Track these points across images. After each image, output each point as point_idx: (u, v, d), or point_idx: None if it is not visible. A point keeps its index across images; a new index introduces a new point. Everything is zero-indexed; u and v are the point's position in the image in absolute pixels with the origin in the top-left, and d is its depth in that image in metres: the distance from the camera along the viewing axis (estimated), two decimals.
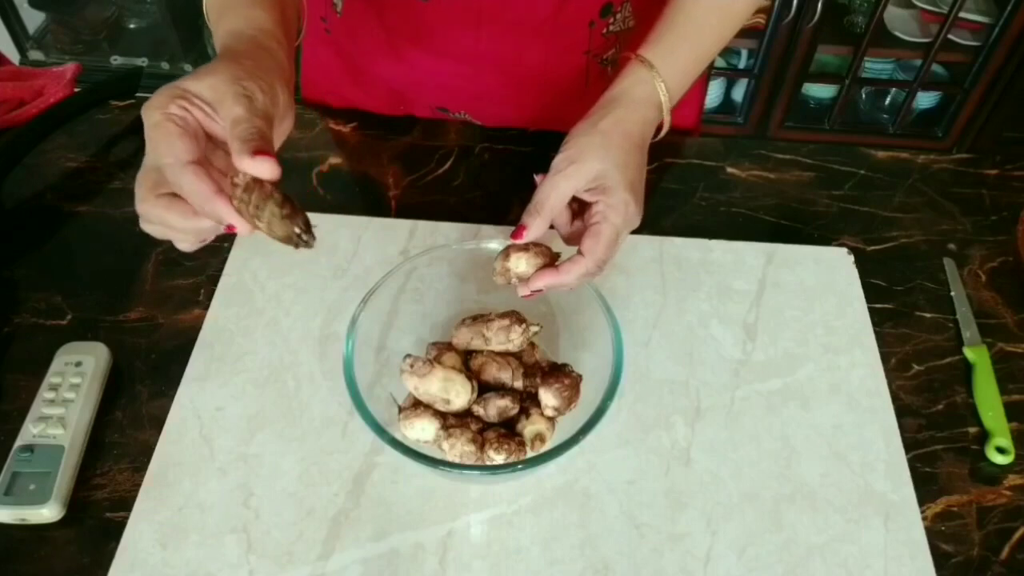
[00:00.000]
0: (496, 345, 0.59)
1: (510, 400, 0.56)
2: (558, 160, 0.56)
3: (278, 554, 0.55)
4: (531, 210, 0.56)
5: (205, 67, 0.49)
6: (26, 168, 0.78)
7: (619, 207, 0.56)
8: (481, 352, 0.60)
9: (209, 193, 0.46)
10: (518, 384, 0.58)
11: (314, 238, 0.49)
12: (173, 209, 0.47)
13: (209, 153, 0.49)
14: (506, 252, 0.57)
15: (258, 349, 0.66)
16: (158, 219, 0.48)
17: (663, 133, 0.63)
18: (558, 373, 0.57)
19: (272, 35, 0.54)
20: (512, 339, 0.58)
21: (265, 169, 0.45)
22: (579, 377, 0.57)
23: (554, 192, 0.55)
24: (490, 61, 0.80)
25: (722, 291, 0.71)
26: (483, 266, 0.65)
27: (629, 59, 0.61)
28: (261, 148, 0.45)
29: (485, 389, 0.58)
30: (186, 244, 0.50)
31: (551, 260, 0.57)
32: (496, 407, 0.56)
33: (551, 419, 0.57)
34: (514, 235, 0.55)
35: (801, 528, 0.58)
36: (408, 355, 0.55)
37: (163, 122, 0.46)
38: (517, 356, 0.60)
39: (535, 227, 0.55)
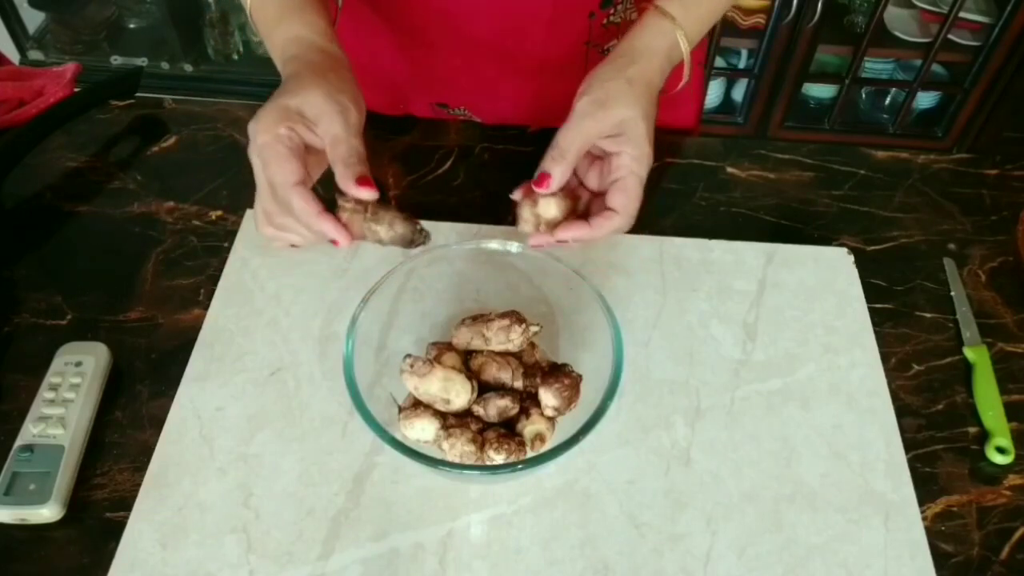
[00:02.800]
0: (496, 345, 0.59)
1: (510, 400, 0.56)
2: (584, 103, 0.56)
3: (278, 554, 0.55)
4: (554, 156, 0.55)
5: (295, 82, 0.54)
6: (26, 168, 0.78)
7: (643, 159, 0.56)
8: (481, 352, 0.60)
9: (315, 213, 0.52)
10: (518, 384, 0.58)
11: (429, 234, 0.56)
12: (298, 227, 0.54)
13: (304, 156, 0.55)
14: (532, 199, 0.56)
15: (258, 349, 0.66)
16: (289, 231, 0.56)
17: (682, 84, 0.64)
18: (558, 373, 0.57)
19: (333, 39, 0.59)
20: (512, 339, 0.58)
21: (367, 195, 0.53)
22: (579, 377, 0.57)
23: (580, 136, 0.55)
24: (490, 53, 0.80)
25: (722, 291, 0.71)
26: (483, 266, 0.65)
27: (646, 9, 0.62)
28: (362, 175, 0.52)
29: (485, 389, 0.58)
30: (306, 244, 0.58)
31: (575, 207, 0.56)
32: (496, 407, 0.56)
33: (551, 419, 0.57)
34: (536, 183, 0.55)
35: (801, 528, 0.58)
36: (408, 355, 0.55)
37: (273, 143, 0.51)
38: (517, 356, 0.60)
39: (559, 174, 0.55)
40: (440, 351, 0.60)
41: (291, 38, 0.58)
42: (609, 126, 0.56)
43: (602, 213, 0.56)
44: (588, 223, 0.56)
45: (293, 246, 0.62)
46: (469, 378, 0.57)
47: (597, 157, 0.60)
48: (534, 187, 0.55)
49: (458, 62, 0.81)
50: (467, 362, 0.60)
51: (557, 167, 0.55)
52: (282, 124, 0.51)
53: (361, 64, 0.86)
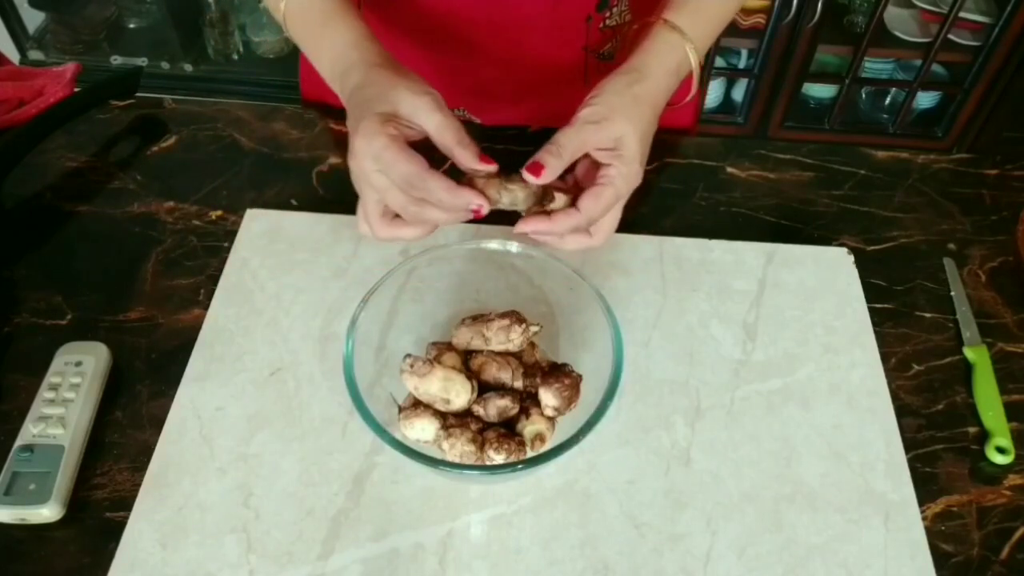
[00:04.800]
0: (496, 345, 0.59)
1: (510, 400, 0.56)
2: (588, 111, 0.58)
3: (278, 554, 0.55)
4: (551, 150, 0.57)
5: (375, 87, 0.57)
6: (26, 168, 0.78)
7: (630, 177, 0.58)
8: (481, 352, 0.60)
9: (453, 187, 0.54)
10: (518, 384, 0.58)
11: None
12: (437, 208, 0.55)
13: None
14: (506, 174, 0.58)
15: (258, 349, 0.66)
16: (392, 237, 0.58)
17: (691, 96, 0.66)
18: (558, 373, 0.57)
19: (379, 42, 0.61)
20: (512, 339, 0.58)
21: (492, 168, 0.56)
22: (579, 377, 0.57)
23: (578, 140, 0.57)
24: (488, 55, 0.80)
25: (722, 291, 0.71)
26: (483, 266, 0.65)
27: (652, 23, 0.63)
28: (481, 152, 0.56)
29: (485, 389, 0.58)
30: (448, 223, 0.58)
31: (542, 204, 0.58)
32: (496, 407, 0.56)
33: (551, 419, 0.57)
34: (529, 169, 0.56)
35: (801, 528, 0.58)
36: (408, 355, 0.55)
37: (391, 143, 0.53)
38: (517, 356, 0.60)
39: (552, 168, 0.56)
40: (440, 351, 0.60)
41: (348, 43, 0.60)
42: (608, 139, 0.57)
43: (566, 210, 0.58)
44: (549, 216, 0.58)
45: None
46: (469, 378, 0.57)
47: (593, 164, 0.61)
48: (524, 171, 0.56)
49: (457, 64, 0.81)
50: (467, 362, 0.60)
51: (552, 160, 0.56)
52: (388, 125, 0.54)
53: None
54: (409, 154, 0.54)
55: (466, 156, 0.55)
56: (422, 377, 0.55)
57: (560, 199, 0.58)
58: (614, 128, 0.57)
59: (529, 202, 0.57)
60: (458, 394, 0.55)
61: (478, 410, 0.56)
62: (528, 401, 0.58)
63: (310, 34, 0.63)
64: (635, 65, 0.61)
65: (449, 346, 0.61)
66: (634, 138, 0.57)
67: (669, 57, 0.62)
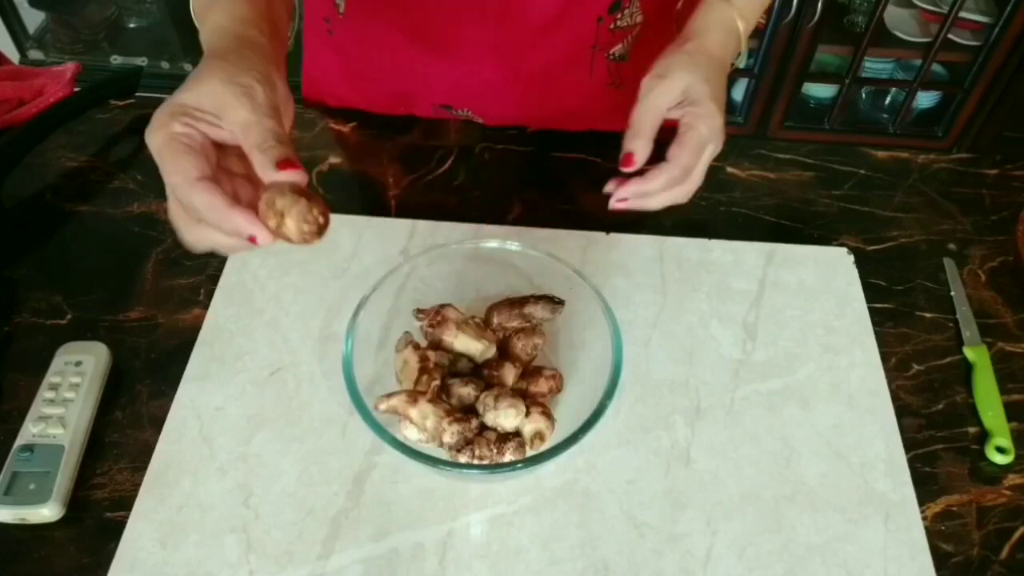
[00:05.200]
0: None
1: (473, 388, 0.57)
2: (646, 81, 0.58)
3: (278, 554, 0.55)
4: (631, 135, 0.57)
5: (194, 76, 0.48)
6: (26, 168, 0.78)
7: (705, 116, 0.57)
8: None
9: (223, 206, 0.44)
10: (490, 352, 0.60)
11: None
12: (212, 229, 0.46)
13: (222, 160, 0.48)
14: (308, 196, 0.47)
15: (258, 349, 0.66)
16: (208, 241, 0.47)
17: (741, 59, 0.66)
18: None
19: (254, 23, 0.53)
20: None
21: (294, 176, 0.45)
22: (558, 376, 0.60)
23: (649, 110, 0.57)
24: (496, 56, 0.80)
25: (722, 291, 0.71)
26: (483, 266, 0.65)
27: (652, 10, 0.64)
28: (283, 156, 0.45)
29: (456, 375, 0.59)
30: (228, 251, 0.49)
31: (318, 235, 0.47)
32: (457, 395, 0.57)
33: (549, 416, 0.57)
34: (623, 164, 0.56)
35: (801, 528, 0.58)
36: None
37: (168, 142, 0.45)
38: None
39: (641, 150, 0.56)
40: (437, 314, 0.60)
41: (212, 28, 0.52)
42: (676, 94, 0.58)
43: (658, 165, 0.57)
44: (643, 176, 0.57)
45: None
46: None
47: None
48: (621, 167, 0.57)
49: (463, 65, 0.81)
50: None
51: (635, 143, 0.57)
52: (175, 121, 0.45)
53: (364, 66, 0.86)
54: (181, 156, 0.45)
55: (262, 162, 0.45)
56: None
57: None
58: (675, 82, 0.57)
59: (308, 231, 0.46)
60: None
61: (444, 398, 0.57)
62: (527, 400, 0.58)
63: (199, 22, 0.55)
64: (683, 35, 0.62)
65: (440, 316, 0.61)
66: (699, 84, 0.58)
67: (713, 16, 0.63)
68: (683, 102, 0.58)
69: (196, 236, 0.46)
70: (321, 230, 0.45)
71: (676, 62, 0.59)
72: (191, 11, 0.57)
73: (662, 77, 0.58)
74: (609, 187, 0.58)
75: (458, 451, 0.54)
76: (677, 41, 0.62)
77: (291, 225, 0.44)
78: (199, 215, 0.45)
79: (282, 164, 0.44)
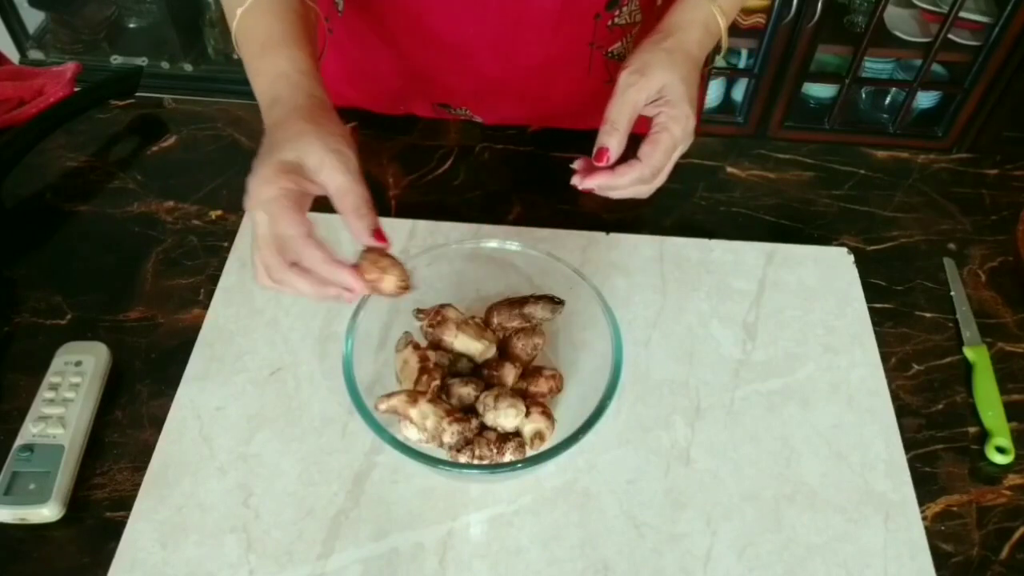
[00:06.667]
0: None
1: (473, 388, 0.57)
2: (624, 76, 0.59)
3: (278, 554, 0.55)
4: (606, 129, 0.58)
5: (288, 131, 0.53)
6: (26, 168, 0.78)
7: (680, 119, 0.58)
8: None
9: (332, 262, 0.51)
10: (489, 353, 0.60)
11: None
12: (304, 278, 0.51)
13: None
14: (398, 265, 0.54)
15: (258, 349, 0.66)
16: (291, 285, 0.51)
17: (722, 53, 0.67)
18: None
19: (315, 77, 0.58)
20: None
21: (384, 245, 0.52)
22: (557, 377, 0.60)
23: (627, 106, 0.58)
24: (493, 54, 0.80)
25: (722, 291, 0.71)
26: (483, 266, 0.65)
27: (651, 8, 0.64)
28: (377, 227, 0.52)
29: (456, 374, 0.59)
30: (313, 298, 0.53)
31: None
32: (458, 394, 0.57)
33: (549, 417, 0.57)
34: (596, 158, 0.57)
35: (801, 528, 0.58)
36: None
37: (279, 197, 0.50)
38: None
39: (615, 145, 0.57)
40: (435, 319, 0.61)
41: (277, 74, 0.57)
42: (652, 91, 0.58)
43: (628, 162, 0.58)
44: (612, 170, 0.58)
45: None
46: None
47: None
48: (595, 162, 0.58)
49: (461, 63, 0.81)
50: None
51: (611, 139, 0.57)
52: (284, 178, 0.51)
53: (363, 65, 0.86)
54: (295, 214, 0.50)
55: (359, 228, 0.52)
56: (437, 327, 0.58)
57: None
58: (653, 80, 0.58)
59: (400, 287, 0.53)
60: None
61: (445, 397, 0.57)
62: (527, 400, 0.58)
63: (251, 55, 0.59)
64: (660, 28, 0.63)
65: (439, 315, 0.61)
66: (677, 83, 0.58)
67: (693, 13, 0.63)
68: (658, 100, 0.59)
69: (286, 279, 0.51)
70: (407, 289, 0.53)
71: (655, 59, 0.59)
72: (233, 38, 0.60)
73: (640, 73, 0.58)
74: (576, 164, 0.59)
75: (458, 451, 0.54)
76: (655, 34, 0.62)
77: (389, 282, 0.52)
78: (308, 265, 0.51)
79: (376, 235, 0.52)
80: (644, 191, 0.60)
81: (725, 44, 0.66)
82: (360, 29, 0.83)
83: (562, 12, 0.76)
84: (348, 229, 0.52)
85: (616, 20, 0.78)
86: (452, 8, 0.76)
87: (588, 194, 0.59)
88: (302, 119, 0.54)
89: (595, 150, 0.58)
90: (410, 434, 0.55)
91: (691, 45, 0.62)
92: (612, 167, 0.58)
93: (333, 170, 0.52)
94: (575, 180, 0.59)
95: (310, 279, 0.51)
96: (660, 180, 0.60)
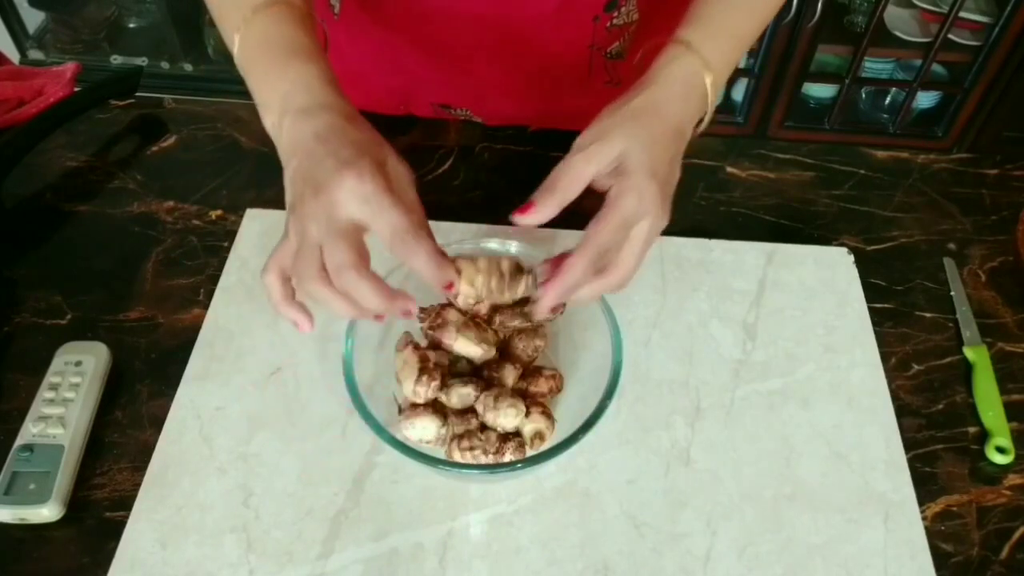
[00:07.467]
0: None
1: (473, 388, 0.57)
2: (581, 138, 0.52)
3: (278, 554, 0.55)
4: (544, 187, 0.51)
5: (367, 133, 0.50)
6: (26, 168, 0.78)
7: (633, 190, 0.49)
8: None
9: (441, 257, 0.49)
10: (491, 353, 0.59)
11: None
12: (373, 285, 0.47)
13: None
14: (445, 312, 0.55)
15: (258, 349, 0.66)
16: (325, 300, 0.48)
17: (704, 126, 0.57)
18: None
19: (338, 86, 0.53)
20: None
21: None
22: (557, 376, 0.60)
23: (571, 172, 0.50)
24: (492, 56, 0.80)
25: (722, 291, 0.71)
26: None
27: (664, 43, 0.56)
28: (450, 280, 0.50)
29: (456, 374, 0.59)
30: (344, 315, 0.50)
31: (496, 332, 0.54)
32: (458, 395, 0.57)
33: (549, 417, 0.57)
34: (520, 210, 0.51)
35: (801, 528, 0.58)
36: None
37: (387, 189, 0.47)
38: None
39: (543, 206, 0.50)
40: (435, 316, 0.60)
41: (322, 79, 0.52)
42: (606, 162, 0.50)
43: (574, 250, 0.51)
44: (560, 271, 0.51)
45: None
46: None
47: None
48: (516, 214, 0.51)
49: (461, 64, 0.81)
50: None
51: (544, 196, 0.50)
52: (380, 174, 0.47)
53: (362, 65, 0.86)
54: (403, 204, 0.47)
55: (428, 244, 0.48)
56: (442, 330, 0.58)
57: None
58: (608, 149, 0.50)
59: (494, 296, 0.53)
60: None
61: (442, 397, 0.57)
62: (527, 401, 0.58)
63: (271, 59, 0.53)
64: (638, 83, 0.55)
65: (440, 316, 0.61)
66: (637, 151, 0.50)
67: (672, 67, 0.55)
68: (615, 170, 0.51)
69: (321, 294, 0.48)
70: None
71: (616, 123, 0.51)
72: (236, 62, 0.56)
73: (596, 139, 0.51)
74: (517, 215, 0.51)
75: (458, 450, 0.54)
76: (629, 89, 0.54)
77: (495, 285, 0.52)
78: (421, 261, 0.47)
79: (447, 286, 0.50)
80: (614, 284, 0.52)
81: (712, 104, 0.56)
82: (357, 31, 0.83)
83: (560, 16, 0.76)
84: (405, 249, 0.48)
85: (615, 21, 0.78)
86: (450, 12, 0.76)
87: (593, 194, 0.52)
88: (367, 126, 0.51)
89: (526, 201, 0.51)
90: (411, 434, 0.55)
91: (666, 106, 0.53)
92: (558, 267, 0.51)
93: (409, 183, 0.51)
94: (518, 218, 0.51)
95: (419, 273, 0.48)
96: (627, 267, 0.51)
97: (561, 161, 0.51)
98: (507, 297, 0.53)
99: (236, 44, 0.55)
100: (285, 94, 0.51)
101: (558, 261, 0.52)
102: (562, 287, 0.51)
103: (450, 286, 0.50)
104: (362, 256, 0.47)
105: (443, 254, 0.49)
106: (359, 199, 0.46)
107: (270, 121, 0.53)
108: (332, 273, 0.47)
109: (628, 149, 0.50)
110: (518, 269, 0.53)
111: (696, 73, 0.54)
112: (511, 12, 0.75)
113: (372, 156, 0.48)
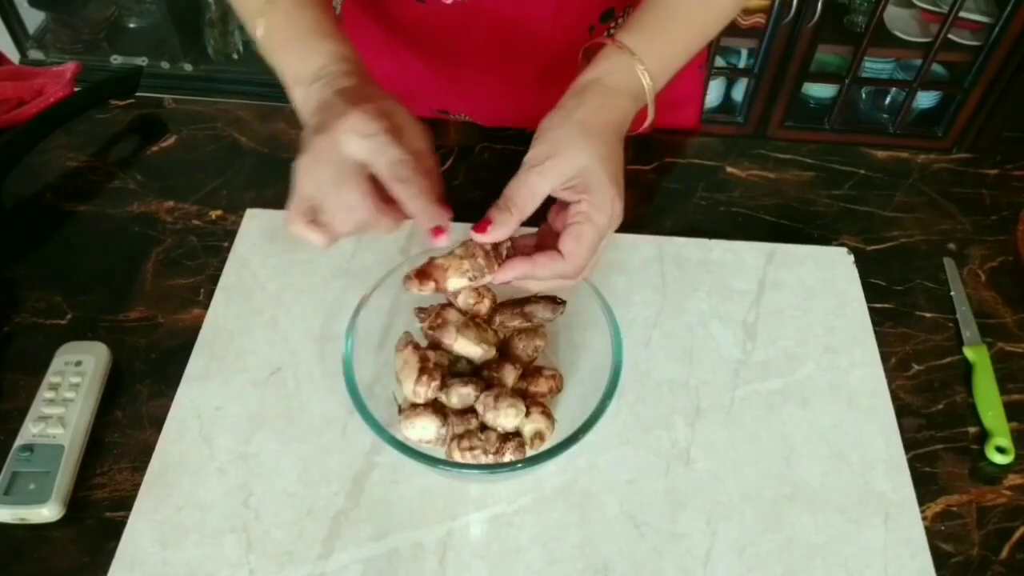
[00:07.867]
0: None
1: (473, 388, 0.57)
2: (531, 155, 0.53)
3: (278, 554, 0.55)
4: (500, 204, 0.52)
5: (382, 90, 0.53)
6: (26, 168, 0.78)
7: (605, 206, 0.52)
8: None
9: (433, 199, 0.51)
10: (490, 353, 0.59)
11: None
12: (315, 231, 0.51)
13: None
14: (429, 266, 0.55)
15: (258, 349, 0.66)
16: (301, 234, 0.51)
17: (647, 124, 0.59)
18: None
19: (361, 65, 0.56)
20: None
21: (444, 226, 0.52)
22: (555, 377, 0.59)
23: (525, 189, 0.52)
24: (489, 64, 0.80)
25: (722, 291, 0.71)
26: None
27: (603, 45, 0.58)
28: (440, 225, 0.52)
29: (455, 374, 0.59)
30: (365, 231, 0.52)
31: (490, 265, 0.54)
32: (458, 394, 0.56)
33: (547, 413, 0.57)
34: (477, 228, 0.52)
35: (801, 528, 0.58)
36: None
37: (389, 131, 0.50)
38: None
39: (501, 225, 0.51)
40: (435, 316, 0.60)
41: (350, 55, 0.56)
42: (563, 178, 0.52)
43: (548, 252, 0.52)
44: (531, 259, 0.53)
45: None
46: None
47: (563, 207, 0.55)
48: (474, 231, 0.52)
49: (458, 73, 0.81)
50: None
51: (501, 215, 0.52)
52: (385, 119, 0.50)
53: None
54: (402, 145, 0.49)
55: (425, 214, 0.51)
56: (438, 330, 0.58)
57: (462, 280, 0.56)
58: (565, 163, 0.51)
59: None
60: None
61: (442, 396, 0.57)
62: (527, 400, 0.58)
63: (301, 38, 0.57)
64: (573, 91, 0.56)
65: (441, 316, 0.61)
66: (596, 165, 0.51)
67: (615, 77, 0.56)
68: (576, 186, 0.52)
69: (371, 217, 0.51)
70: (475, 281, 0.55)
71: (567, 137, 0.52)
72: (253, 32, 0.59)
73: (548, 158, 0.51)
74: (475, 233, 0.53)
75: (458, 450, 0.54)
76: (567, 100, 0.55)
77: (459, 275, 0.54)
78: (411, 191, 0.49)
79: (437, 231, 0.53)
80: (567, 285, 0.55)
81: (652, 112, 0.57)
82: (356, 34, 0.83)
83: (554, 25, 0.75)
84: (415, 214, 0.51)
85: (611, 31, 0.78)
86: (445, 19, 0.76)
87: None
88: (384, 94, 0.54)
89: (482, 219, 0.52)
90: (411, 434, 0.55)
91: (609, 113, 0.54)
92: (531, 256, 0.52)
93: (417, 133, 0.52)
94: (476, 236, 0.53)
95: (409, 210, 0.50)
96: (585, 275, 0.55)
97: (515, 177, 0.53)
98: (498, 269, 0.54)
99: (261, 28, 0.58)
100: (320, 67, 0.54)
101: (544, 238, 0.55)
102: (526, 272, 0.53)
103: (438, 232, 0.52)
104: (366, 195, 0.50)
105: (442, 201, 0.51)
106: (360, 135, 0.49)
107: (300, 93, 0.55)
108: (344, 212, 0.50)
109: (588, 166, 0.52)
110: (493, 245, 0.54)
111: (635, 80, 0.56)
112: (506, 20, 0.75)
113: (377, 108, 0.50)
